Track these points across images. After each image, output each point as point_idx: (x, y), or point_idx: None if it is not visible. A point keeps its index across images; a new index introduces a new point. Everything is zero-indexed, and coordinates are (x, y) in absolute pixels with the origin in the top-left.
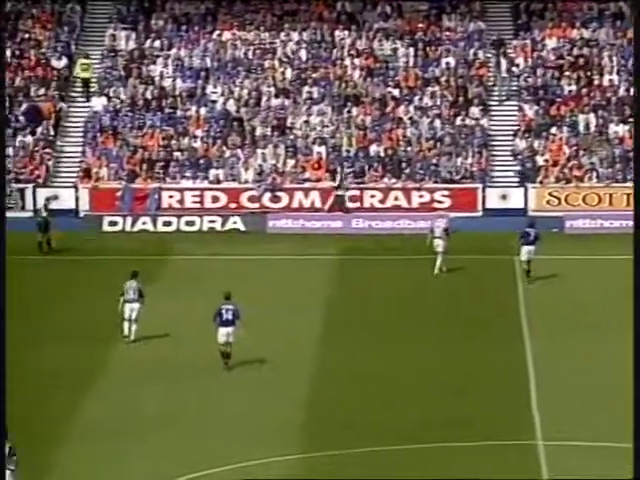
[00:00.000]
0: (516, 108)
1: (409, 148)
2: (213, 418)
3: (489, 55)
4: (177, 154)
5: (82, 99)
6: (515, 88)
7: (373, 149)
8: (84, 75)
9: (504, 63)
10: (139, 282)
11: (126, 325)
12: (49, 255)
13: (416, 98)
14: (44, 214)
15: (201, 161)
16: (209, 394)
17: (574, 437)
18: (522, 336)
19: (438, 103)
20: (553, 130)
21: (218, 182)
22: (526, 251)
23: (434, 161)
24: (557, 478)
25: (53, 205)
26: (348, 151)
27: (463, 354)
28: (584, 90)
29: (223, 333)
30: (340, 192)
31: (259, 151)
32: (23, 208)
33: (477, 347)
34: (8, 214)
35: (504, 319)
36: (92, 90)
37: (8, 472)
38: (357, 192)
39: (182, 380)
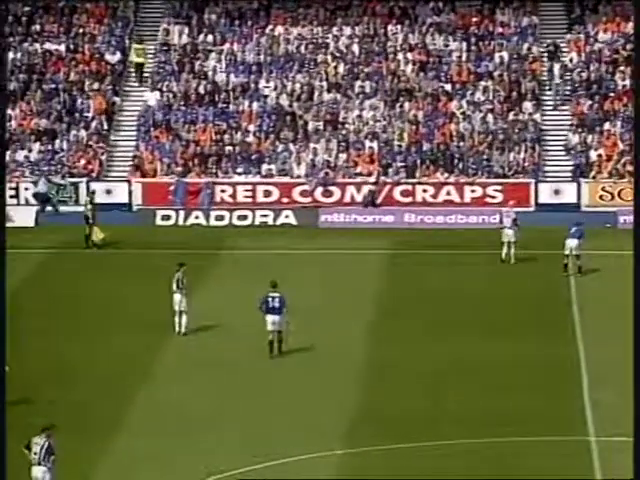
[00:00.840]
0: (570, 103)
1: (461, 143)
2: (260, 413)
3: (542, 50)
4: (229, 148)
5: (136, 92)
6: (568, 92)
7: (425, 144)
8: (138, 60)
9: (557, 69)
10: (183, 273)
11: (176, 319)
12: (94, 249)
13: (468, 93)
14: (89, 207)
15: (253, 156)
16: (258, 388)
17: (628, 433)
18: (574, 330)
19: (491, 98)
20: (606, 125)
21: (270, 176)
22: (568, 245)
23: (486, 156)
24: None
25: (106, 199)
26: (400, 146)
27: (515, 349)
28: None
29: (270, 321)
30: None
31: (311, 145)
32: (77, 202)
33: (529, 342)
34: (63, 208)
35: (557, 313)
36: (145, 76)
37: (43, 469)
38: (409, 187)
39: (232, 374)
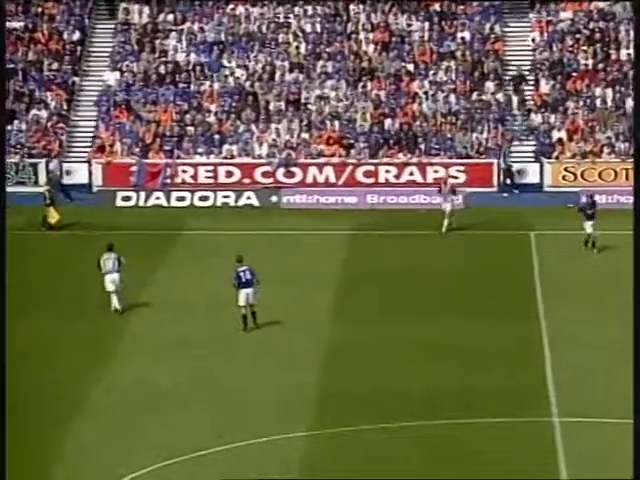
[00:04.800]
0: (532, 82)
1: (424, 123)
2: (226, 392)
3: (506, 29)
4: (191, 129)
5: (95, 72)
6: (526, 126)
7: (388, 124)
8: None
9: (515, 101)
10: (117, 253)
11: (114, 298)
12: (49, 231)
13: (431, 73)
14: (46, 188)
15: (215, 136)
16: (222, 368)
17: (591, 413)
18: (537, 311)
19: (453, 78)
20: (569, 105)
21: (232, 157)
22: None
23: (449, 136)
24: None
25: (66, 179)
26: (362, 126)
27: (476, 329)
28: (600, 64)
29: (244, 294)
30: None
31: (273, 126)
32: (36, 183)
33: (491, 322)
34: (20, 189)
35: (519, 294)
36: (116, 7)
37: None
38: (372, 167)
39: (196, 353)
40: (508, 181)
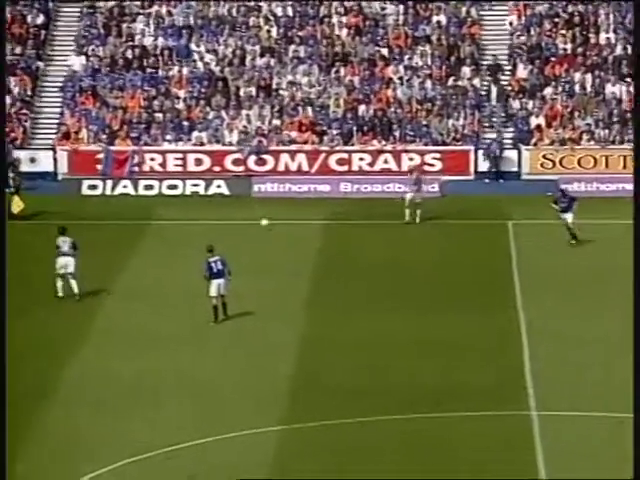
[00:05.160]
0: (509, 68)
1: (399, 109)
2: (197, 385)
3: (482, 13)
4: (159, 115)
5: (60, 57)
6: (504, 115)
7: (362, 110)
8: None
9: (495, 91)
10: (71, 237)
11: (59, 283)
12: (11, 220)
13: (406, 58)
14: (11, 175)
15: (184, 123)
16: (194, 360)
17: (569, 407)
18: (515, 302)
19: (429, 63)
20: (548, 90)
21: (201, 144)
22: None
23: (425, 123)
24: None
25: (30, 167)
26: (335, 112)
27: (453, 321)
28: (579, 49)
29: (214, 285)
30: None
31: (244, 112)
32: None
33: (468, 313)
34: None
35: (497, 284)
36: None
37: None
38: (345, 155)
39: (166, 346)
40: (494, 169)
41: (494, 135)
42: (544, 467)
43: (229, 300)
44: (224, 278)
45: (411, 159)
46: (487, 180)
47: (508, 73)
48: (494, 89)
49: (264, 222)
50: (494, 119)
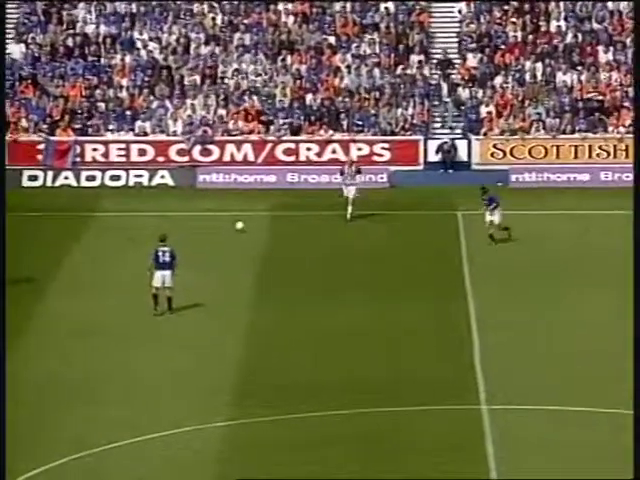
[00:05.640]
0: (459, 56)
1: (347, 98)
2: (141, 382)
3: (431, 1)
4: (101, 105)
5: None
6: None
7: (309, 99)
8: None
9: (445, 87)
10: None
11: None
12: None
13: (354, 46)
14: None
15: (127, 112)
16: (137, 356)
17: (519, 401)
18: (465, 293)
19: (377, 51)
20: (498, 79)
21: (145, 134)
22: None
23: (373, 112)
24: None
25: None
26: (282, 101)
27: (402, 312)
28: (530, 37)
29: (159, 276)
30: None
31: (188, 101)
32: None
33: (417, 305)
34: None
35: (446, 275)
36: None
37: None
38: (292, 145)
39: (109, 341)
40: (446, 160)
41: (446, 130)
42: (494, 460)
43: (174, 294)
44: (170, 270)
45: (359, 149)
46: (441, 171)
47: (458, 62)
48: (444, 85)
49: (239, 225)
50: (446, 114)
